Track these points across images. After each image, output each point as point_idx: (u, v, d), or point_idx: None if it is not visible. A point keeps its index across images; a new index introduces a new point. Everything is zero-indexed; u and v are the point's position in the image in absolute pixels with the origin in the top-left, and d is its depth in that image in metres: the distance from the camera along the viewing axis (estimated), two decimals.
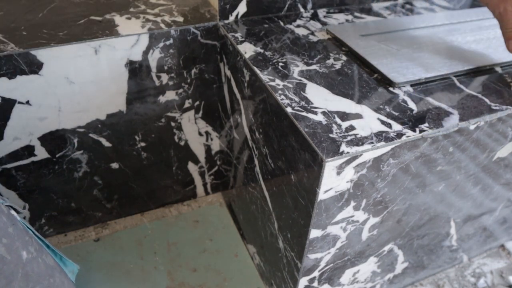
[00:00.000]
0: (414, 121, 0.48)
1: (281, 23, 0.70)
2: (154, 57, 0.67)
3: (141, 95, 0.70)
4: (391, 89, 0.54)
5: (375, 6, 0.79)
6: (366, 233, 0.56)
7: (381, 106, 0.50)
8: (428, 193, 0.56)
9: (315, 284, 0.61)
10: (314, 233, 0.50)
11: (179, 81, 0.72)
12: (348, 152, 0.43)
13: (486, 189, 0.64)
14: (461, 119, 0.49)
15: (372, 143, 0.44)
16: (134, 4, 0.73)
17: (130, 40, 0.64)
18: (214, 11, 0.72)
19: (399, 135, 0.46)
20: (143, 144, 0.77)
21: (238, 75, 0.63)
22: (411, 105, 0.51)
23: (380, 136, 0.45)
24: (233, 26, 0.68)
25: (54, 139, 0.69)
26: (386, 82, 0.55)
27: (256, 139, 0.61)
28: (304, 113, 0.48)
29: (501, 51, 0.62)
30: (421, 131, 0.46)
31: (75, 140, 0.71)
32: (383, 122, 0.47)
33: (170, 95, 0.73)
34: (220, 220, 0.89)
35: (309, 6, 0.75)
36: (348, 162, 0.43)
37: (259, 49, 0.61)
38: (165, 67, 0.69)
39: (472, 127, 0.50)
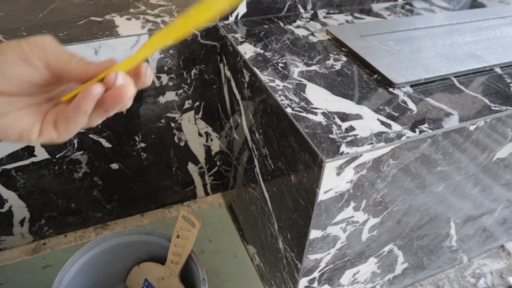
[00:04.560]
0: (414, 121, 0.48)
1: (281, 24, 0.70)
2: (154, 58, 0.67)
3: (141, 96, 0.70)
4: (391, 89, 0.54)
5: (375, 7, 0.80)
6: (366, 234, 0.56)
7: (381, 107, 0.50)
8: (428, 193, 0.56)
9: (315, 284, 0.61)
10: (314, 233, 0.50)
11: (179, 81, 0.72)
12: (348, 153, 0.43)
13: (486, 189, 0.64)
14: (460, 120, 0.49)
15: (372, 143, 0.44)
16: (134, 5, 0.73)
17: (130, 40, 0.64)
18: None
19: (399, 135, 0.46)
20: (143, 144, 0.77)
21: (238, 75, 0.63)
22: (411, 105, 0.51)
23: (380, 137, 0.45)
24: (233, 27, 0.68)
25: None
26: (386, 82, 0.55)
27: (256, 139, 0.61)
28: (304, 114, 0.48)
29: (500, 51, 0.62)
30: (421, 131, 0.46)
31: (75, 141, 0.71)
32: (383, 123, 0.47)
33: (170, 96, 0.73)
34: (220, 221, 0.89)
35: (309, 6, 0.75)
36: (348, 162, 0.43)
37: (259, 50, 0.61)
38: (165, 68, 0.69)
39: (471, 127, 0.50)
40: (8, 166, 0.69)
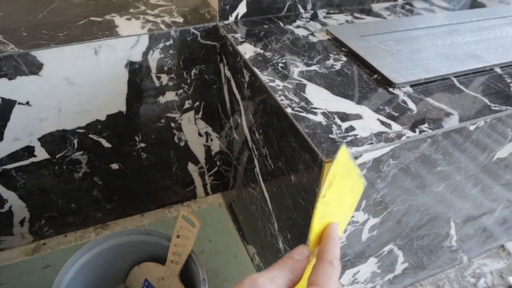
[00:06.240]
0: (414, 121, 0.48)
1: (281, 24, 0.70)
2: (154, 58, 0.67)
3: (141, 96, 0.70)
4: (391, 89, 0.54)
5: (375, 7, 0.80)
6: (366, 234, 0.56)
7: (381, 107, 0.50)
8: (428, 193, 0.56)
9: None
10: None
11: (179, 81, 0.72)
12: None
13: (486, 189, 0.64)
14: (460, 120, 0.49)
15: (372, 143, 0.44)
16: (134, 5, 0.74)
17: (130, 40, 0.64)
18: (214, 12, 0.72)
19: (399, 135, 0.46)
20: (143, 144, 0.77)
21: (238, 75, 0.63)
22: (411, 105, 0.51)
23: (380, 137, 0.45)
24: (233, 26, 0.68)
25: (54, 140, 0.69)
26: (386, 82, 0.55)
27: (256, 139, 0.61)
28: (304, 114, 0.48)
29: (500, 51, 0.62)
30: (421, 131, 0.46)
31: (75, 141, 0.71)
32: (383, 123, 0.47)
33: (170, 96, 0.73)
34: (220, 221, 0.89)
35: (309, 6, 0.75)
36: None
37: (259, 50, 0.61)
38: (165, 68, 0.69)
39: (471, 127, 0.50)
40: (8, 166, 0.69)
